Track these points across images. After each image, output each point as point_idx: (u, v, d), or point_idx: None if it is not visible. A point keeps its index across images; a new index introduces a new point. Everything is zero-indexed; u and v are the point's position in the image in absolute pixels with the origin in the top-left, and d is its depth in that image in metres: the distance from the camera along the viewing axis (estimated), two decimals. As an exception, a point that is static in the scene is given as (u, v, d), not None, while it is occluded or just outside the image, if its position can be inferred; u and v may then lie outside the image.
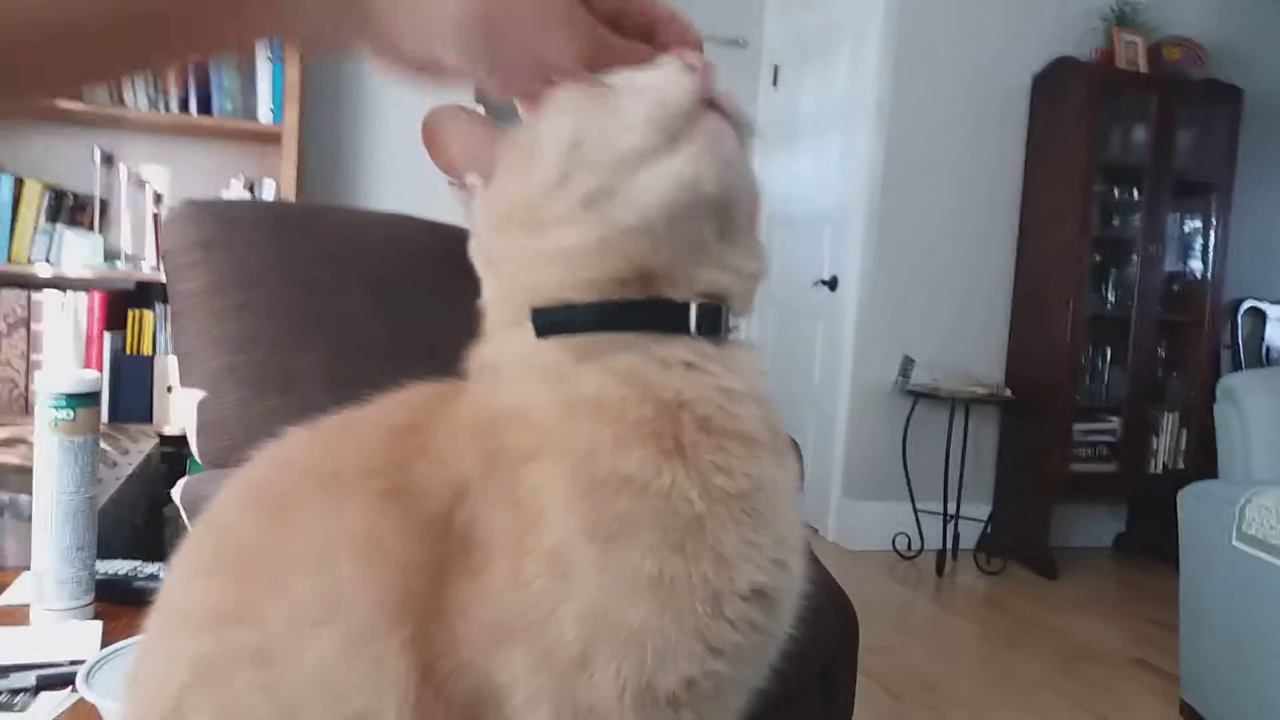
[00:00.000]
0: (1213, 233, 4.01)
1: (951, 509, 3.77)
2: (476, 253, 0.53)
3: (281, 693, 0.46)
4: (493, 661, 0.46)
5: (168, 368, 2.41)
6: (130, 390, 2.44)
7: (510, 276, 0.51)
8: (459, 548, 0.47)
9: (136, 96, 2.52)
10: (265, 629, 0.47)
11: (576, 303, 0.48)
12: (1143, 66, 3.89)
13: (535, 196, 0.48)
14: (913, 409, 3.84)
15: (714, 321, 0.49)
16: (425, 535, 0.47)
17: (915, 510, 3.79)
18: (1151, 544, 4.00)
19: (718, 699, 0.48)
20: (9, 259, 2.47)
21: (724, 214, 0.48)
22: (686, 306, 0.48)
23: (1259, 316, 4.40)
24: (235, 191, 2.62)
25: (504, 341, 0.51)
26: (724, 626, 0.46)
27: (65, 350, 2.39)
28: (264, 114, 2.59)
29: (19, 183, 2.49)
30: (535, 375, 0.49)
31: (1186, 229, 4.13)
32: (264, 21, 0.47)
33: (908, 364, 3.87)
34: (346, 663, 0.46)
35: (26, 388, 2.39)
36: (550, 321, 0.49)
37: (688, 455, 0.46)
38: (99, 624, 0.96)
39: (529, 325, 0.49)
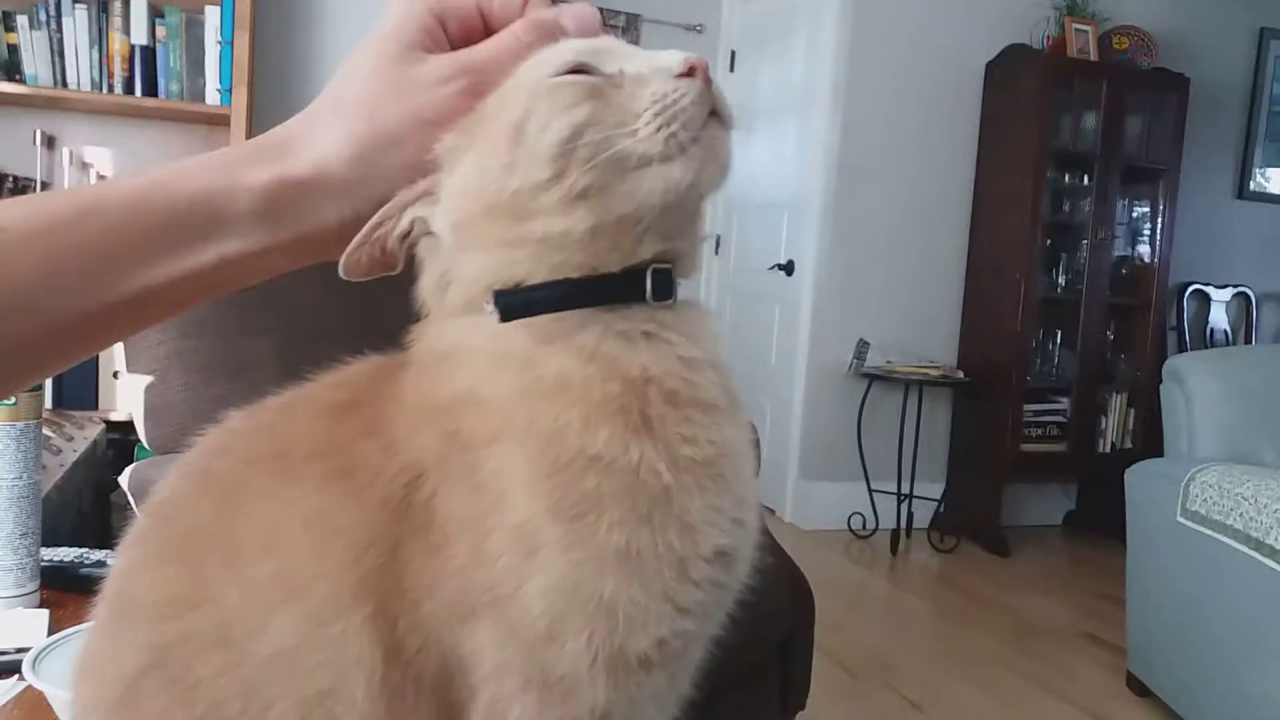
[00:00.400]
0: (1160, 218, 4.08)
1: (905, 489, 3.82)
2: (430, 237, 0.51)
3: (242, 674, 0.46)
4: (458, 635, 0.46)
5: (113, 354, 2.37)
6: (74, 376, 2.39)
7: (476, 261, 0.50)
8: (417, 526, 0.47)
9: (79, 77, 2.46)
10: (222, 611, 0.47)
11: (537, 284, 0.48)
12: (1093, 55, 3.95)
13: (522, 190, 0.47)
14: (867, 391, 3.88)
15: (667, 286, 0.50)
16: (379, 515, 0.47)
17: (870, 490, 3.84)
18: (1100, 521, 4.09)
19: (685, 654, 0.49)
20: (-52, 244, 2.40)
21: (704, 200, 0.50)
22: (642, 274, 0.49)
23: (1203, 299, 4.50)
24: (183, 174, 2.57)
25: (458, 328, 0.51)
26: (690, 588, 0.47)
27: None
28: (212, 95, 2.54)
29: (-42, 165, 2.43)
30: (496, 361, 0.48)
31: (1135, 214, 4.21)
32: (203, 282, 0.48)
33: (862, 347, 3.91)
34: (307, 642, 0.46)
35: (-32, 375, 2.32)
36: (514, 304, 0.48)
37: (654, 429, 0.47)
38: (45, 612, 0.94)
39: (489, 309, 0.49)
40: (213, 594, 0.47)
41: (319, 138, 0.48)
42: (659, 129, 0.46)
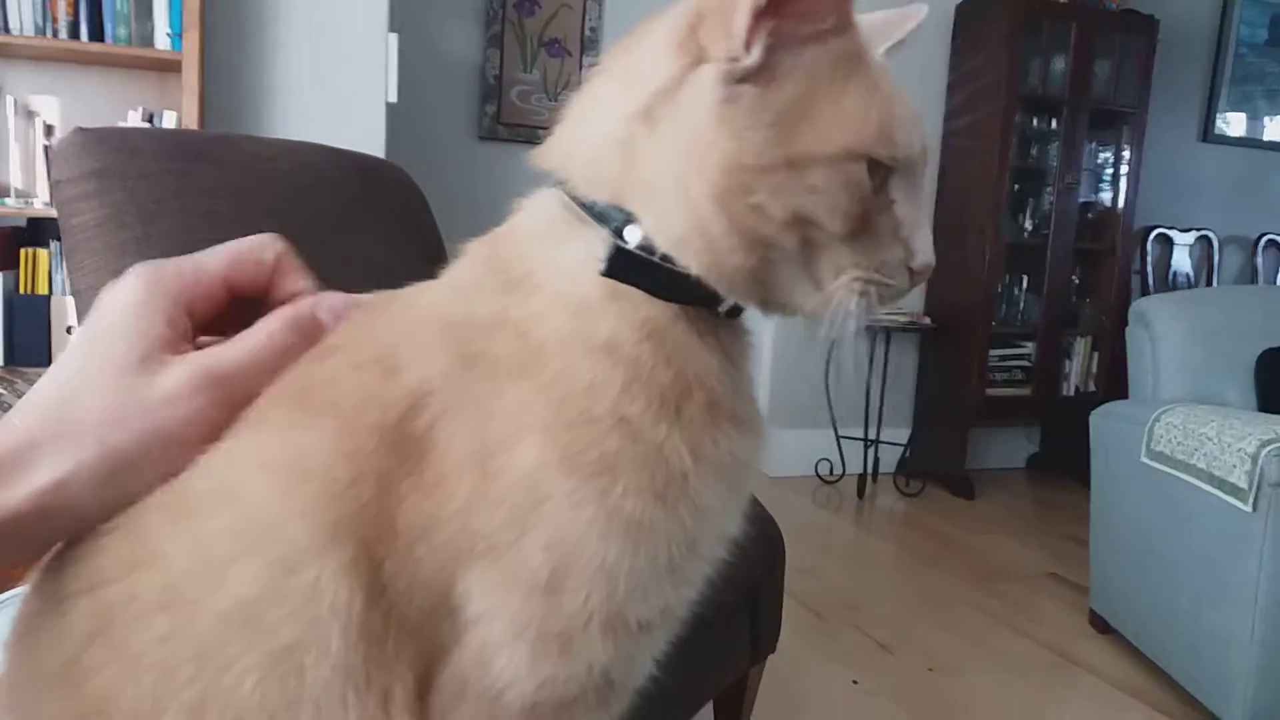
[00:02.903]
0: (1125, 162, 4.09)
1: (873, 434, 3.84)
2: (633, 150, 0.47)
3: (193, 635, 0.43)
4: (451, 576, 0.44)
5: (66, 308, 2.31)
6: (26, 332, 2.33)
7: (654, 198, 0.47)
8: (410, 459, 0.44)
9: (22, 21, 2.37)
10: (167, 570, 0.44)
11: (649, 257, 0.47)
12: (1061, -5, 3.92)
13: (775, 177, 0.45)
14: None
15: (739, 309, 0.51)
16: (367, 448, 0.44)
17: (838, 436, 3.86)
18: (1063, 464, 4.15)
19: (679, 616, 0.50)
20: (-111, 196, 2.33)
21: None
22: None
23: (1166, 243, 4.53)
24: (133, 123, 2.49)
25: (547, 254, 0.49)
26: (698, 563, 0.48)
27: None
28: (161, 40, 2.45)
29: (-104, 114, 2.34)
30: (560, 300, 0.47)
31: (1101, 159, 4.21)
32: None
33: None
34: (271, 595, 0.43)
35: (-84, 332, 2.27)
36: (627, 266, 0.47)
37: (685, 424, 0.47)
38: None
39: (595, 249, 0.47)
40: (158, 552, 0.44)
41: (39, 463, 0.43)
42: (865, 292, 0.48)
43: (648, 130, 0.47)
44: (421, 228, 1.80)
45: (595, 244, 0.48)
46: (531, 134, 3.93)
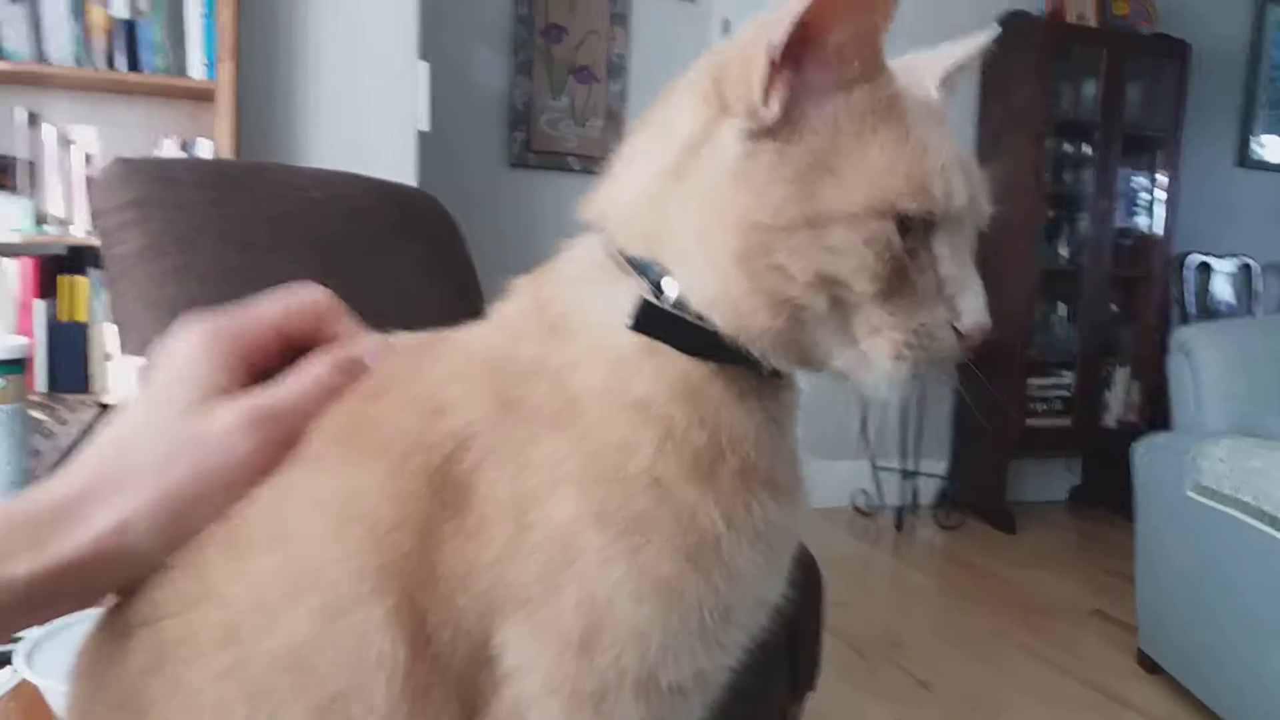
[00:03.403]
0: (1161, 187, 4.03)
1: (910, 466, 3.78)
2: (664, 206, 0.46)
3: (247, 676, 0.42)
4: (490, 626, 0.43)
5: (104, 335, 2.32)
6: (65, 359, 2.34)
7: (683, 256, 0.46)
8: (452, 503, 0.44)
9: (60, 51, 2.39)
10: (228, 607, 0.44)
11: (683, 316, 0.45)
12: (1093, 20, 3.88)
13: (795, 237, 0.43)
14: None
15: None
16: (412, 491, 0.43)
17: (874, 467, 3.81)
18: (1106, 496, 4.06)
19: (717, 682, 0.48)
20: (-70, 225, 2.35)
21: None
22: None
23: (1205, 270, 4.46)
24: (169, 151, 2.51)
25: (585, 299, 0.48)
26: (732, 629, 0.46)
27: (-7, 320, 2.29)
28: (196, 69, 2.47)
29: (-63, 145, 2.36)
30: (597, 352, 0.46)
31: (1136, 184, 4.16)
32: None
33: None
34: (321, 640, 0.42)
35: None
36: (656, 321, 0.45)
37: (719, 489, 0.45)
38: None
39: (627, 303, 0.45)
40: (216, 589, 0.44)
41: (96, 513, 0.44)
42: (901, 355, 0.45)
43: (677, 186, 0.46)
44: (453, 255, 1.79)
45: (634, 295, 0.47)
46: (561, 161, 3.94)
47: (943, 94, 0.51)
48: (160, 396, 0.47)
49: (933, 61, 0.51)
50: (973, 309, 0.47)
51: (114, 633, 0.46)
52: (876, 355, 0.46)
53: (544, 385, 0.45)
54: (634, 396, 0.45)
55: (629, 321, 0.45)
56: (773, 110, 0.43)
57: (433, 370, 0.48)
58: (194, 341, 0.48)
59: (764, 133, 0.44)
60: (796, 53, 0.43)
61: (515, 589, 0.43)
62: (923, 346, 0.46)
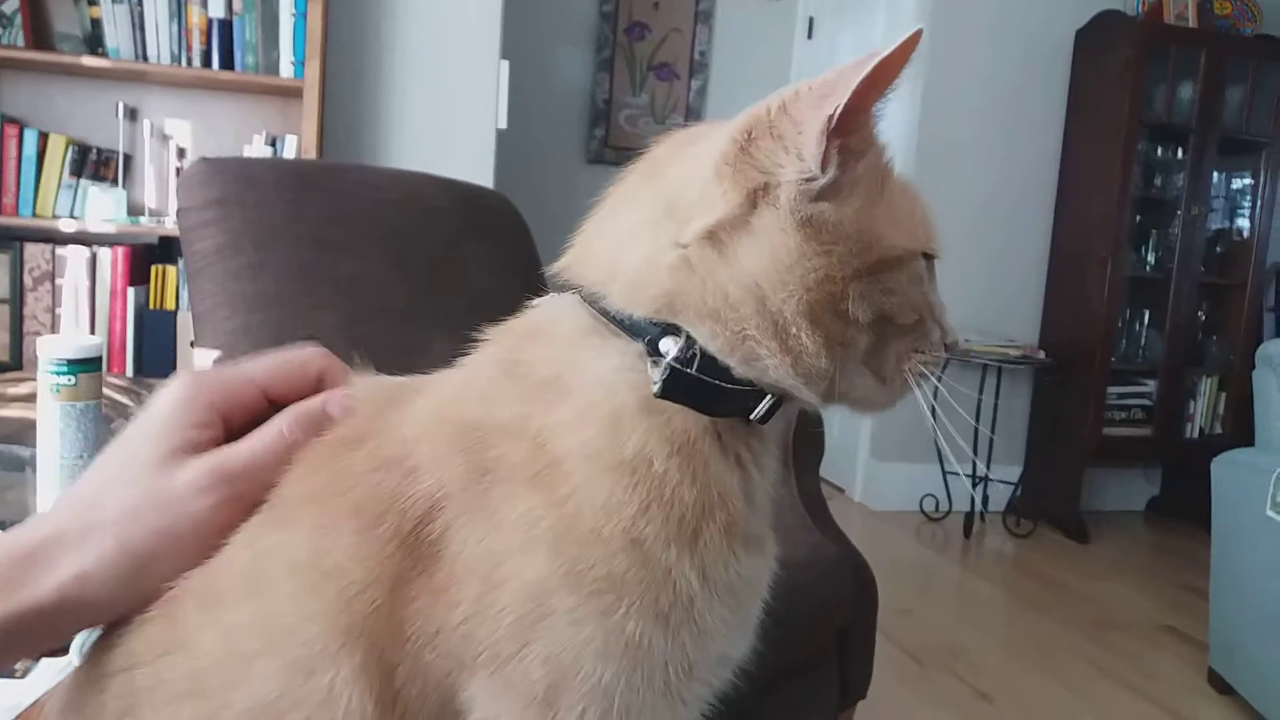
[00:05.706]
0: (1259, 193, 3.88)
1: (981, 471, 3.72)
2: (711, 280, 0.48)
3: None
4: (457, 682, 0.45)
5: (190, 324, 2.42)
6: (154, 345, 2.46)
7: (728, 317, 0.48)
8: (422, 561, 0.45)
9: (160, 51, 2.50)
10: (196, 659, 0.45)
11: (703, 377, 0.47)
12: (1192, 21, 3.75)
13: (859, 285, 0.48)
14: (943, 370, 3.77)
15: (773, 413, 0.50)
16: (384, 552, 0.45)
17: (944, 472, 3.75)
18: (1185, 509, 3.93)
19: None
20: (34, 213, 2.48)
21: None
22: (763, 395, 0.49)
23: (1302, 279, 4.28)
24: (257, 147, 2.61)
25: (582, 361, 0.49)
26: (695, 684, 0.48)
27: (74, 310, 2.40)
28: (285, 68, 2.56)
29: (43, 137, 2.49)
30: (590, 411, 0.47)
31: (1232, 189, 4.00)
32: None
33: (939, 325, 3.80)
34: (290, 695, 0.44)
35: (54, 343, 2.40)
36: (682, 388, 0.47)
37: (699, 548, 0.47)
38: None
39: (630, 362, 0.48)
40: (187, 639, 0.46)
41: (64, 557, 0.46)
42: (924, 374, 0.53)
43: (715, 253, 0.48)
44: (523, 255, 1.83)
45: (630, 356, 0.49)
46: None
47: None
48: (131, 448, 0.49)
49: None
50: (952, 327, 0.54)
51: (93, 678, 0.48)
52: (906, 377, 0.52)
53: (522, 447, 0.46)
54: (627, 455, 0.46)
55: (657, 388, 0.47)
56: (829, 174, 0.47)
57: (408, 427, 0.49)
58: (175, 394, 0.50)
59: (819, 196, 0.47)
60: (845, 125, 0.47)
61: (484, 646, 0.44)
62: (934, 362, 0.53)
